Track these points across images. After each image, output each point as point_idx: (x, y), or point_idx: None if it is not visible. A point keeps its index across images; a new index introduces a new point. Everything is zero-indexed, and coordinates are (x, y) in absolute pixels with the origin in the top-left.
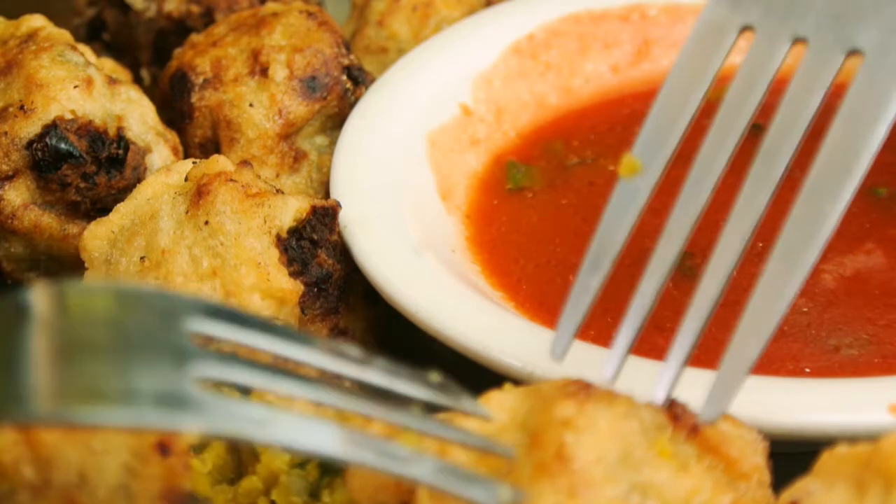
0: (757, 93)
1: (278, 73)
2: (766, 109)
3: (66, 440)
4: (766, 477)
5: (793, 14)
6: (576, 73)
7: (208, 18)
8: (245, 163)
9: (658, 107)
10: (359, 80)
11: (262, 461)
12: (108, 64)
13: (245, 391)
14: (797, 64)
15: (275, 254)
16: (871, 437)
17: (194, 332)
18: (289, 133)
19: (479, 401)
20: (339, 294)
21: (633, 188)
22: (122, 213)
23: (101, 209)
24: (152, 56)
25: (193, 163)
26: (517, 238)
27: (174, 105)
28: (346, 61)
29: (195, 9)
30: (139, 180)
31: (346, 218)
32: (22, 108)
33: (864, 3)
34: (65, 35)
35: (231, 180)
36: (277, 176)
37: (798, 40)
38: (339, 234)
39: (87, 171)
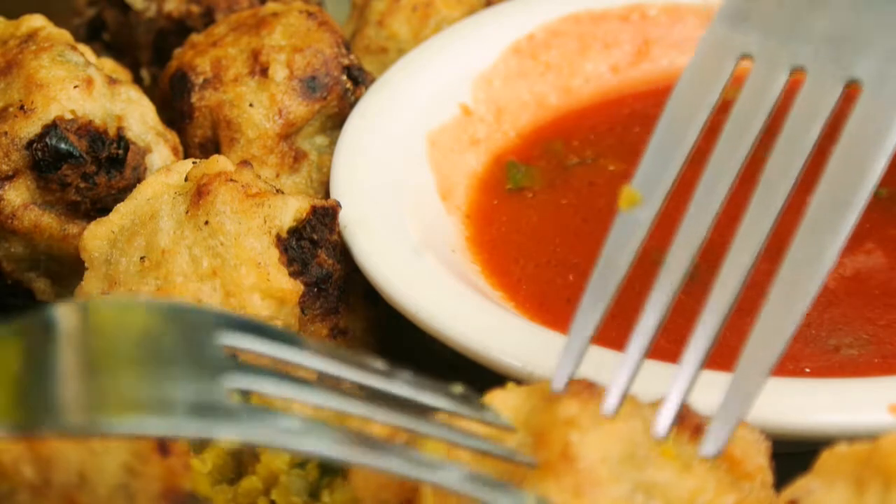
0: (756, 122)
1: (278, 73)
2: (766, 138)
3: (66, 440)
4: (770, 477)
5: (791, 43)
6: (576, 73)
7: (208, 18)
8: (245, 163)
9: (657, 138)
10: (359, 80)
11: (262, 461)
12: (108, 64)
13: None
14: (796, 93)
15: (275, 254)
16: (871, 437)
17: (225, 345)
18: (289, 133)
19: (480, 398)
20: (339, 294)
21: (634, 220)
22: (122, 213)
23: (101, 209)
24: (152, 56)
25: (193, 163)
26: (517, 238)
27: (174, 105)
28: (346, 61)
29: (195, 9)
30: (139, 180)
31: (346, 218)
32: (22, 108)
33: (863, 32)
34: (65, 35)
35: (231, 180)
36: (277, 176)
37: (797, 69)
38: (339, 234)
39: (87, 171)
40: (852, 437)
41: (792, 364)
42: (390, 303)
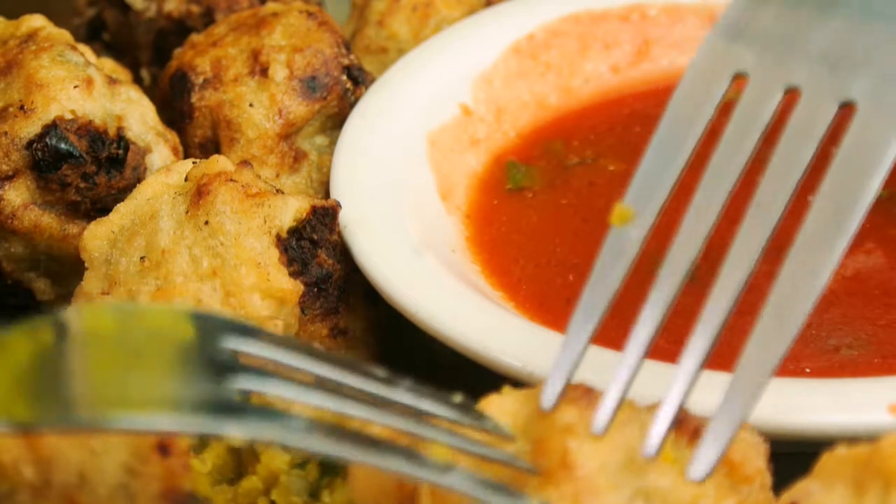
0: (750, 142)
1: (278, 73)
2: (760, 158)
3: (67, 440)
4: (768, 479)
5: (786, 62)
6: (576, 73)
7: (208, 18)
8: (245, 163)
9: (651, 154)
10: (359, 80)
11: (262, 461)
12: (108, 64)
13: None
14: (790, 113)
15: (275, 254)
16: (871, 438)
17: (232, 348)
18: (289, 133)
19: (478, 405)
20: (339, 294)
21: (625, 237)
22: (122, 213)
23: (101, 209)
24: (152, 56)
25: (193, 163)
26: (517, 238)
27: (174, 105)
28: (346, 61)
29: (195, 9)
30: (139, 180)
31: (346, 218)
32: (22, 108)
33: (857, 52)
34: (65, 35)
35: (231, 180)
36: (277, 176)
37: (791, 89)
38: (339, 234)
39: (87, 171)
40: (852, 438)
41: (792, 364)
42: (390, 303)
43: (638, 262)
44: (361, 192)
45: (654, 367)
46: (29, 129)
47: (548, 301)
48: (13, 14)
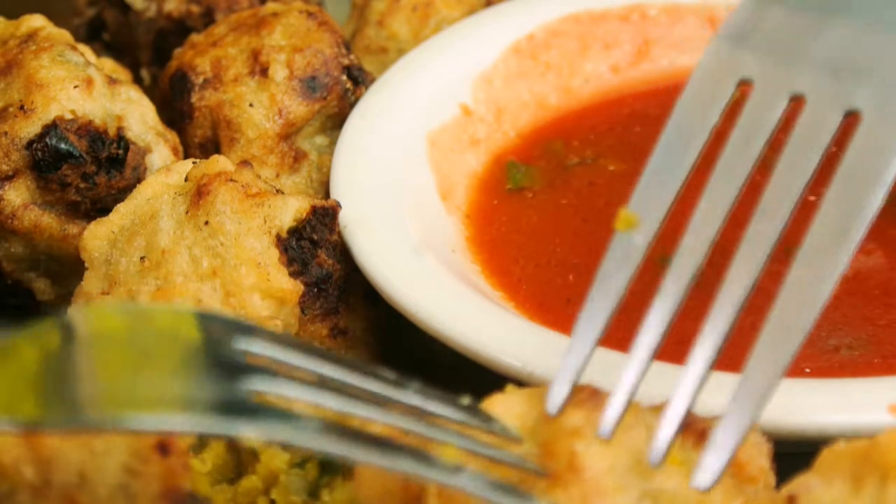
0: (754, 149)
1: (278, 73)
2: (764, 166)
3: (67, 441)
4: (772, 479)
5: (791, 69)
6: (576, 73)
7: (208, 18)
8: (245, 163)
9: (655, 160)
10: (359, 80)
11: (262, 460)
12: (108, 64)
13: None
14: (795, 120)
15: (275, 254)
16: (870, 437)
17: (243, 350)
18: (289, 133)
19: (484, 404)
20: (339, 294)
21: (630, 242)
22: (122, 213)
23: (101, 209)
24: (152, 56)
25: (193, 163)
26: (517, 238)
27: (174, 105)
28: (346, 61)
29: (195, 9)
30: (139, 180)
31: (346, 218)
32: (22, 108)
33: (862, 60)
34: (65, 35)
35: (231, 180)
36: (277, 176)
37: (796, 96)
38: (339, 234)
39: (87, 171)
40: (852, 437)
41: (792, 364)
42: (390, 303)
43: (644, 264)
44: (361, 192)
45: (659, 368)
46: (29, 129)
47: (548, 301)
48: (13, 14)
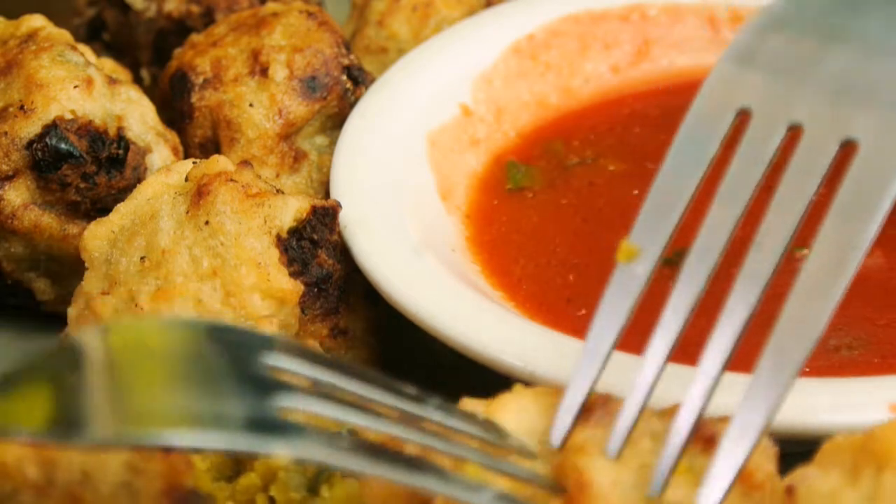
0: (752, 179)
1: (278, 73)
2: (762, 195)
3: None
4: (779, 483)
5: (790, 99)
6: (576, 73)
7: (208, 18)
8: (245, 163)
9: (655, 192)
10: (359, 80)
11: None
12: (108, 64)
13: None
14: (793, 150)
15: (275, 254)
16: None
17: (271, 365)
18: (289, 133)
19: (490, 405)
20: (340, 294)
21: (631, 273)
22: (122, 213)
23: (101, 209)
24: (152, 56)
25: (193, 163)
26: (517, 238)
27: (174, 105)
28: (346, 61)
29: (195, 9)
30: (139, 180)
31: (346, 218)
32: (22, 108)
33: (860, 90)
34: (65, 35)
35: (231, 180)
36: (277, 176)
37: (794, 126)
38: (339, 234)
39: (87, 171)
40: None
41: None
42: (390, 303)
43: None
44: (361, 192)
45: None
46: (29, 129)
47: (548, 301)
48: (13, 14)
